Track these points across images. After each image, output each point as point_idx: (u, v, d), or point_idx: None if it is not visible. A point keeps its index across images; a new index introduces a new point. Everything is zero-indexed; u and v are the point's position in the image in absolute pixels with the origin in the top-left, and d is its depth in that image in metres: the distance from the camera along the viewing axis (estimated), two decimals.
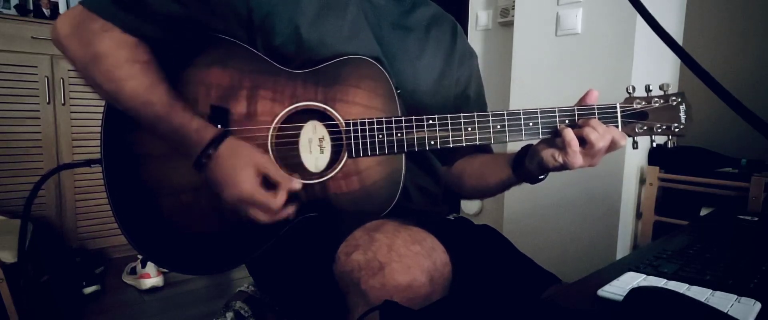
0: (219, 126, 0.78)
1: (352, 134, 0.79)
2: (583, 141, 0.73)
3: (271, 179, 0.74)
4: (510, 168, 0.86)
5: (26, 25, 2.11)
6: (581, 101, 0.79)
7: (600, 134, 0.73)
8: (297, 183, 0.75)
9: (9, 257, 1.41)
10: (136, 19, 0.75)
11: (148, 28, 0.76)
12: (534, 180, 0.85)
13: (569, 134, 0.73)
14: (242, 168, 0.73)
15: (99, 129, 0.81)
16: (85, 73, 0.77)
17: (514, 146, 0.90)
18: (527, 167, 0.83)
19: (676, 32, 1.84)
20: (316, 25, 0.83)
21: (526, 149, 0.84)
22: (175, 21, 0.77)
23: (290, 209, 0.76)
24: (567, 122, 0.78)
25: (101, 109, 0.82)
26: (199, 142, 0.73)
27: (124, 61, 0.74)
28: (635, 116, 0.80)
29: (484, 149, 0.99)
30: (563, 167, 0.76)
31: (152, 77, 0.75)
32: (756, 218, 0.98)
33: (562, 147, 0.74)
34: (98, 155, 0.81)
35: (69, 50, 0.76)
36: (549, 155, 0.76)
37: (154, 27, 0.76)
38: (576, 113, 0.78)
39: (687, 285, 0.53)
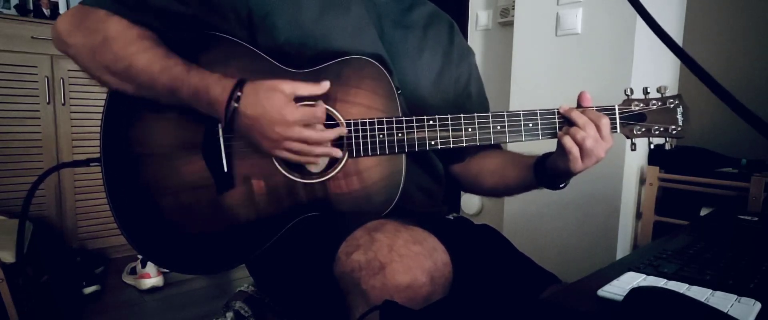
0: (219, 125, 0.78)
1: (352, 134, 0.79)
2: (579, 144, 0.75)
3: (302, 94, 0.75)
4: (532, 172, 0.86)
5: (26, 25, 2.11)
6: (579, 105, 0.80)
7: (586, 132, 0.74)
8: (325, 84, 0.76)
9: (9, 257, 1.41)
10: (137, 11, 0.76)
11: (149, 19, 0.77)
12: (554, 186, 0.85)
13: (568, 142, 0.75)
14: (274, 96, 0.73)
15: (99, 129, 0.81)
16: (92, 62, 0.77)
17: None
18: (548, 172, 0.83)
19: (676, 33, 1.84)
20: (321, 21, 0.83)
21: (548, 155, 0.84)
22: (175, 18, 0.78)
23: (336, 131, 0.77)
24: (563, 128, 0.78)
25: (101, 109, 0.81)
26: (224, 89, 0.73)
27: (136, 37, 0.76)
28: (633, 118, 0.80)
29: (496, 145, 0.99)
30: (569, 170, 0.77)
31: (164, 48, 0.77)
32: (756, 218, 0.98)
33: (564, 154, 0.76)
34: (98, 155, 0.81)
35: (73, 46, 0.77)
36: (558, 162, 0.78)
37: (154, 18, 0.77)
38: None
39: (687, 285, 0.53)
